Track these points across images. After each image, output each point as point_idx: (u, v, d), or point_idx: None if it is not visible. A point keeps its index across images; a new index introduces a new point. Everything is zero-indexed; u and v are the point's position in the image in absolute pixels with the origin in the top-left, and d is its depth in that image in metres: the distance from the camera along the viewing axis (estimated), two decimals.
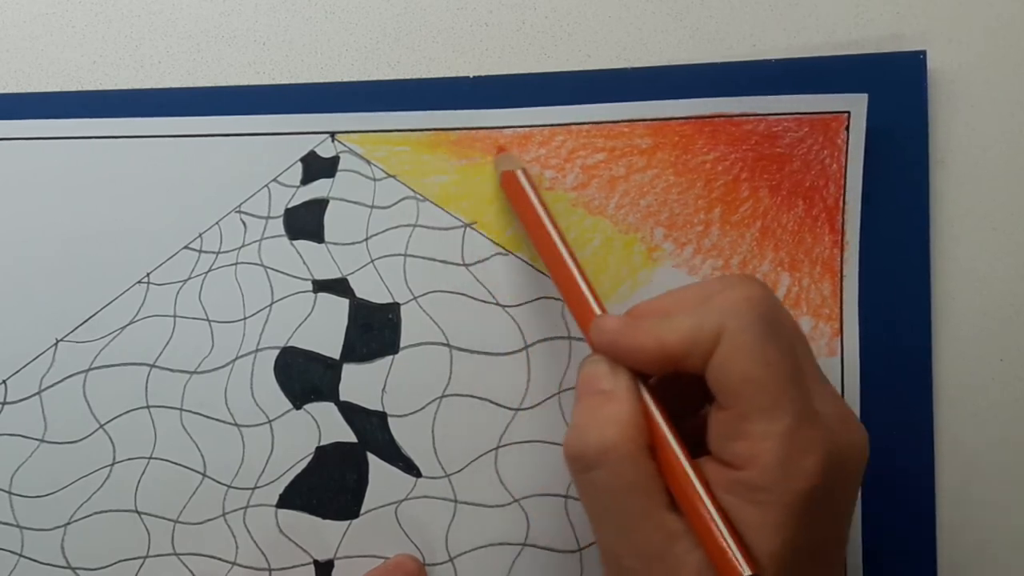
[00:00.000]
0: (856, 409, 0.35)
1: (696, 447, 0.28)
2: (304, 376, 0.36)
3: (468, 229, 0.36)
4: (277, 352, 0.36)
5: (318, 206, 0.36)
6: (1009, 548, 0.36)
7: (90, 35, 0.37)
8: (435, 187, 0.36)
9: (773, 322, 0.28)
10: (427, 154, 0.36)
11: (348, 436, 0.35)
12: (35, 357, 0.35)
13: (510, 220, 0.36)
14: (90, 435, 0.35)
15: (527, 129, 0.36)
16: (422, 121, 0.36)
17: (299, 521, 0.35)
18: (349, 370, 0.36)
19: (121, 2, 0.37)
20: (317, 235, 0.36)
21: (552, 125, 0.36)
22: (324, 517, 0.35)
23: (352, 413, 0.35)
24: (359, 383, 0.35)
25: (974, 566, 0.36)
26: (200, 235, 0.36)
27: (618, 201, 0.36)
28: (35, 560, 0.35)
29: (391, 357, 0.36)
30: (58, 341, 0.35)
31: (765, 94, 0.35)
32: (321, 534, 0.35)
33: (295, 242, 0.36)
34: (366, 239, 0.36)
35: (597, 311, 0.31)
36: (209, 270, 0.36)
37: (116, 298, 0.36)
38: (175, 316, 0.36)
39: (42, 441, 0.35)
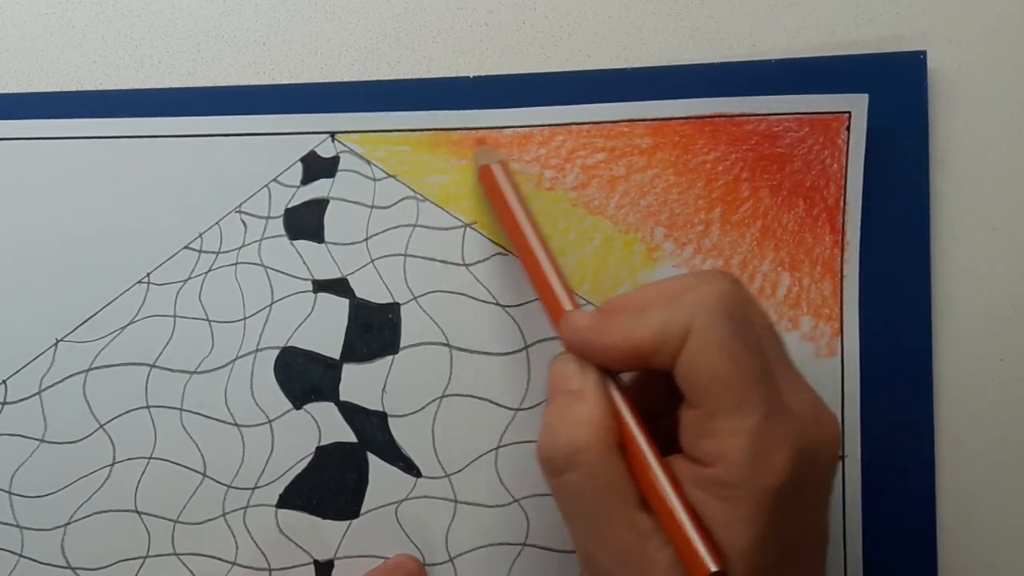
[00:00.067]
0: (856, 409, 0.35)
1: (672, 444, 0.28)
2: (304, 376, 0.36)
3: (468, 229, 0.36)
4: (277, 352, 0.36)
5: (318, 206, 0.36)
6: (1009, 548, 0.36)
7: (90, 35, 0.37)
8: (435, 187, 0.36)
9: (742, 318, 0.28)
10: (427, 154, 0.36)
11: (348, 436, 0.35)
12: (35, 357, 0.35)
13: None
14: (90, 435, 0.35)
15: (527, 129, 0.36)
16: (422, 121, 0.36)
17: (299, 521, 0.35)
18: (349, 370, 0.36)
19: (121, 2, 0.37)
20: (317, 235, 0.36)
21: (552, 125, 0.36)
22: (324, 517, 0.35)
23: (352, 413, 0.35)
24: (359, 383, 0.35)
25: (974, 566, 0.36)
26: (200, 235, 0.36)
27: (618, 201, 0.36)
28: (35, 560, 0.35)
29: (391, 357, 0.36)
30: (58, 341, 0.35)
31: (765, 94, 0.35)
32: (321, 534, 0.35)
33: (295, 242, 0.36)
34: (366, 239, 0.36)
35: (568, 306, 0.30)
36: (209, 270, 0.36)
37: (116, 298, 0.36)
38: (175, 316, 0.36)
39: (42, 441, 0.35)
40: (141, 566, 0.35)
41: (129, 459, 0.35)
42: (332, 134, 0.36)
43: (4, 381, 0.35)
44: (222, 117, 0.36)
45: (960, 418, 0.36)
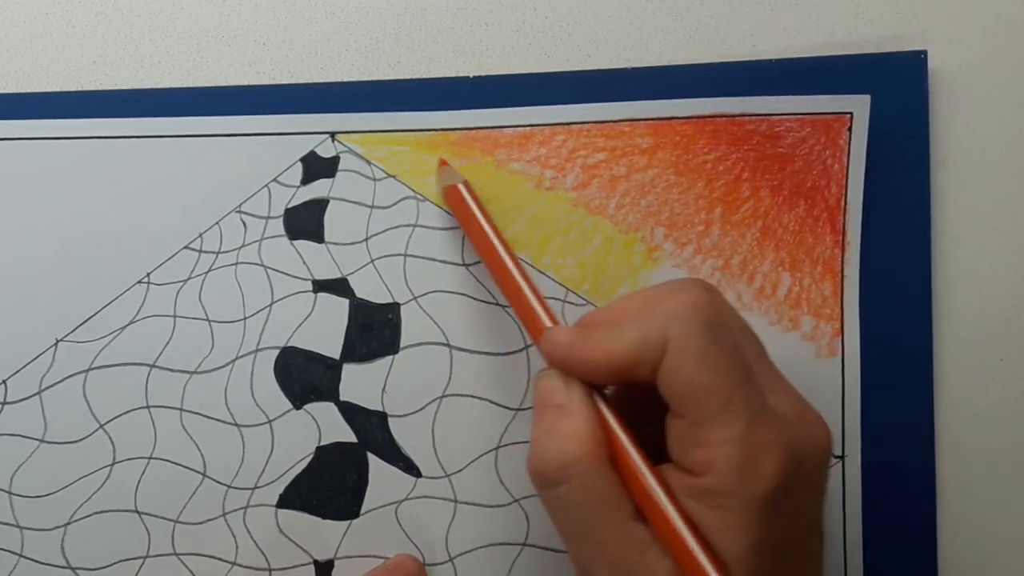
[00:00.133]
0: (856, 409, 0.35)
1: (660, 454, 0.28)
2: (304, 376, 0.36)
3: None
4: (277, 352, 0.36)
5: (318, 206, 0.36)
6: (1009, 548, 0.36)
7: (90, 35, 0.37)
8: (435, 187, 0.36)
9: (718, 326, 0.28)
10: (427, 154, 0.36)
11: (348, 436, 0.35)
12: (35, 357, 0.35)
13: (509, 221, 0.36)
14: (90, 435, 0.35)
15: (527, 129, 0.36)
16: (422, 121, 0.36)
17: (299, 521, 0.35)
18: (349, 370, 0.36)
19: (121, 2, 0.37)
20: (317, 235, 0.36)
21: (552, 124, 0.36)
22: (324, 517, 0.35)
23: (352, 413, 0.35)
24: (359, 383, 0.35)
25: (974, 566, 0.36)
26: (200, 235, 0.36)
27: (618, 201, 0.36)
28: (35, 560, 0.35)
29: (391, 357, 0.36)
30: (58, 341, 0.35)
31: (765, 94, 0.35)
32: (321, 534, 0.35)
33: (295, 242, 0.36)
34: (366, 239, 0.36)
35: (547, 323, 0.30)
36: (209, 270, 0.36)
37: (116, 298, 0.36)
38: (175, 316, 0.36)
39: (42, 441, 0.35)
40: (141, 566, 0.35)
41: (129, 459, 0.35)
42: (332, 134, 0.36)
43: (4, 381, 0.35)
44: (222, 117, 0.36)
45: (960, 418, 0.36)
